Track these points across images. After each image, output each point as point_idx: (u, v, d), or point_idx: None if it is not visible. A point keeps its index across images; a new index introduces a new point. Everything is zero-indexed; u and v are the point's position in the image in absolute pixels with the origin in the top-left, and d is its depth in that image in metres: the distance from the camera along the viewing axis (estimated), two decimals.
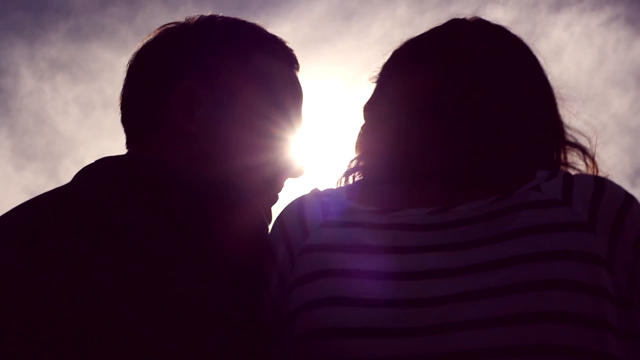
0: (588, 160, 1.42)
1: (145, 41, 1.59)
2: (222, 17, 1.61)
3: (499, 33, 1.47)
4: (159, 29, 1.60)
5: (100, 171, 1.40)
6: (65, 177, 1.44)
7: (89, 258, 1.20)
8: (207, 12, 1.61)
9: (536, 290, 1.16)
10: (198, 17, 1.60)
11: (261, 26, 1.63)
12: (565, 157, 1.42)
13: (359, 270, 1.24)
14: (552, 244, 1.21)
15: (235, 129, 1.50)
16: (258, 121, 1.52)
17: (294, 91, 1.61)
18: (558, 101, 1.44)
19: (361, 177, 1.48)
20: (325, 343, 1.19)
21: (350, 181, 1.50)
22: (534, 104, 1.39)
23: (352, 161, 1.52)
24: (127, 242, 1.21)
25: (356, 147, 1.54)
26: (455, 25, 1.48)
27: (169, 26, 1.59)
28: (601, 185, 1.29)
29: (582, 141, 1.43)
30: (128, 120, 1.57)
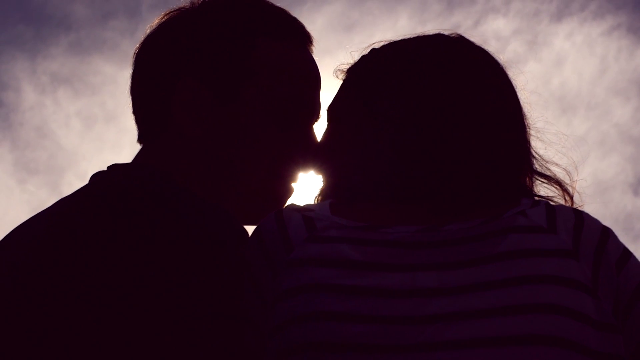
0: (567, 197, 1.47)
1: (149, 31, 1.52)
2: None
3: (479, 58, 1.47)
4: (163, 15, 1.52)
5: (105, 188, 1.36)
6: (68, 190, 1.43)
7: (71, 282, 1.17)
8: None
9: (523, 313, 1.19)
10: (200, 0, 1.51)
11: (269, 1, 1.52)
12: (532, 188, 1.45)
13: (347, 286, 1.23)
14: (540, 268, 1.24)
15: (244, 128, 1.44)
16: (266, 118, 1.46)
17: (305, 74, 1.52)
18: (532, 132, 1.47)
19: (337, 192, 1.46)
20: (316, 357, 1.19)
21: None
22: (508, 135, 1.41)
23: (328, 173, 1.49)
24: (115, 269, 1.18)
25: (323, 152, 1.50)
26: (441, 45, 1.46)
27: (172, 14, 1.51)
28: (580, 216, 1.35)
29: (561, 175, 1.47)
30: (137, 115, 1.52)
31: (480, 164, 1.36)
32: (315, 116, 1.55)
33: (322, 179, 1.52)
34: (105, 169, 1.45)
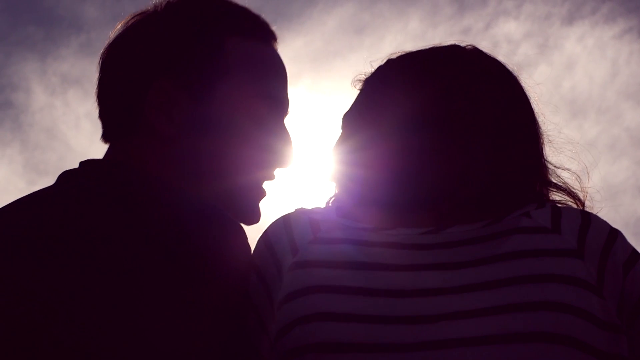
0: (578, 204, 1.46)
1: (115, 34, 1.51)
2: None
3: (493, 68, 1.46)
4: (128, 19, 1.52)
5: (81, 183, 1.35)
6: None
7: (64, 281, 1.16)
8: None
9: (527, 311, 1.20)
10: (165, 2, 1.50)
11: (233, 1, 1.52)
12: (548, 196, 1.45)
13: (351, 287, 1.24)
14: (542, 267, 1.25)
15: (218, 129, 1.44)
16: (241, 115, 1.45)
17: (275, 71, 1.52)
18: (546, 144, 1.46)
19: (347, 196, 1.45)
20: (319, 358, 1.20)
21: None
22: (520, 143, 1.41)
23: (337, 180, 1.48)
24: (106, 269, 1.17)
25: (335, 160, 1.48)
26: (455, 56, 1.46)
27: (137, 18, 1.50)
28: (587, 217, 1.35)
29: (570, 181, 1.46)
30: (104, 118, 1.50)
31: (489, 175, 1.36)
32: (286, 111, 1.55)
33: (334, 186, 1.52)
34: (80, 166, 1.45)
